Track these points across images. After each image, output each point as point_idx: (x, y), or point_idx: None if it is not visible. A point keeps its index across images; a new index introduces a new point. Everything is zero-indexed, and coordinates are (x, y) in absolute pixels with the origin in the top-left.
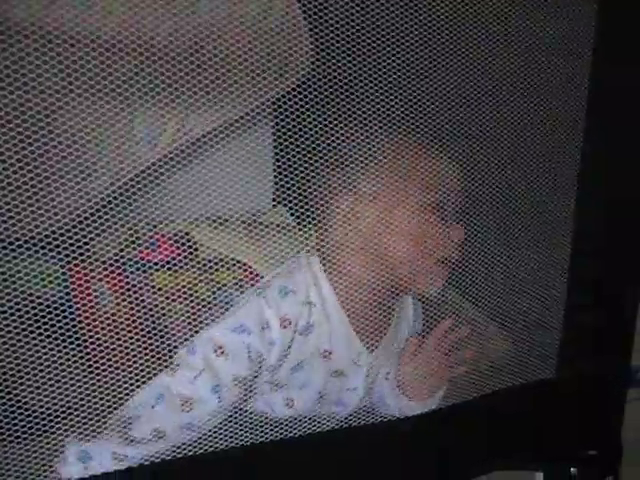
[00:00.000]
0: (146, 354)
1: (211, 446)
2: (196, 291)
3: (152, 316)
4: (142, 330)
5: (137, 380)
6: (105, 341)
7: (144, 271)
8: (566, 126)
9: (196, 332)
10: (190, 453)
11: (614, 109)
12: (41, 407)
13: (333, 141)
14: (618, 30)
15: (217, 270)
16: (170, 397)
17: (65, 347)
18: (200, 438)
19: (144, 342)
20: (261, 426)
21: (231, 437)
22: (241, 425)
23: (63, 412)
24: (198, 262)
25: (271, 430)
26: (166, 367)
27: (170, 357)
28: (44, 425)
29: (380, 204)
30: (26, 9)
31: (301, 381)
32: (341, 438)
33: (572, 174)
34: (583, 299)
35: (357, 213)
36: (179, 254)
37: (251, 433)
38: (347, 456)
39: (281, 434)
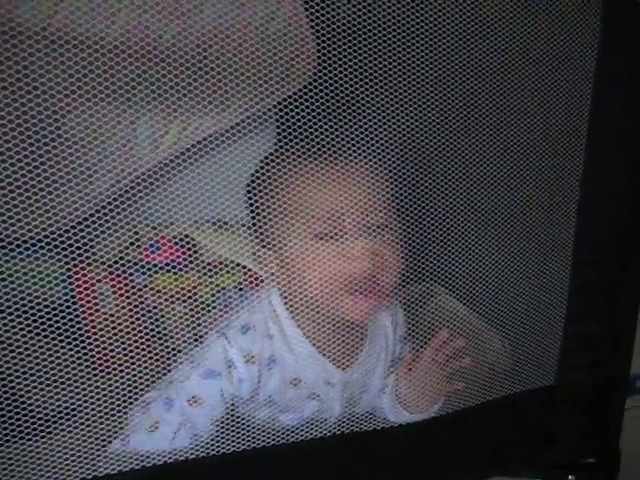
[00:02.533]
0: (148, 356)
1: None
2: (196, 293)
3: (154, 318)
4: (144, 332)
5: (138, 381)
6: (107, 342)
7: (146, 273)
8: (568, 134)
9: (195, 339)
10: (192, 456)
11: (617, 116)
12: (45, 408)
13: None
14: (622, 39)
15: (218, 273)
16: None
17: (68, 348)
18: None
19: (146, 344)
20: (255, 432)
21: (228, 442)
22: (239, 430)
23: (67, 413)
24: (199, 265)
25: (264, 437)
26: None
27: (169, 359)
28: (48, 426)
29: (281, 240)
30: (32, 10)
31: (279, 408)
32: (339, 444)
33: (574, 183)
34: (583, 307)
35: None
36: (180, 256)
37: (249, 438)
38: (347, 462)
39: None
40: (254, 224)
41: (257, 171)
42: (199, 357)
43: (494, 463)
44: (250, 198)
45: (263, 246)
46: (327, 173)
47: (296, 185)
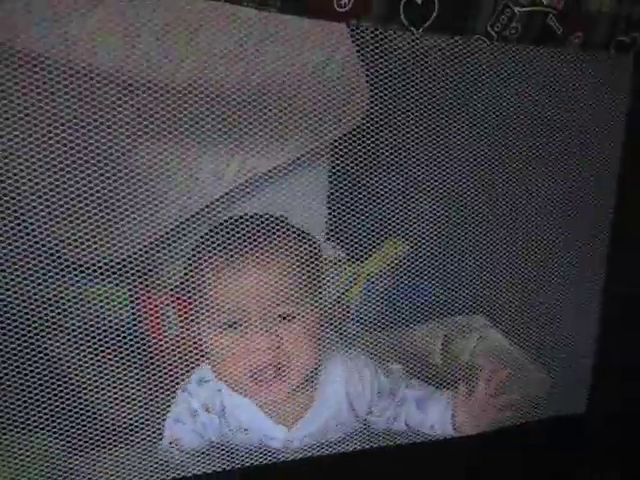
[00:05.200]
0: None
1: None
2: None
3: None
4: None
5: None
6: (173, 363)
7: None
8: (602, 161)
9: None
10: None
11: None
12: (116, 420)
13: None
14: None
15: None
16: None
17: (135, 368)
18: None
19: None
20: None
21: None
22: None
23: (135, 426)
24: None
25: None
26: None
27: None
28: (118, 437)
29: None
30: (109, 54)
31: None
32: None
33: (607, 214)
34: (614, 339)
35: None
36: None
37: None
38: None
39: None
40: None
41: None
42: (172, 407)
43: None
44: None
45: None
46: (226, 267)
47: (206, 277)
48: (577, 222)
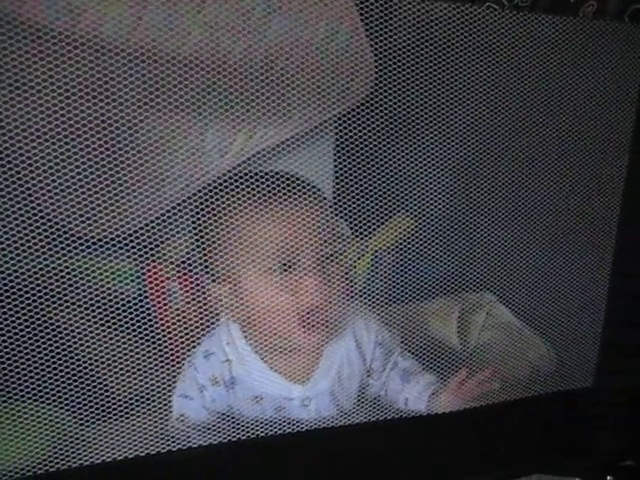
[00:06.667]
0: None
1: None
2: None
3: (216, 316)
4: (207, 327)
5: None
6: (176, 335)
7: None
8: (611, 148)
9: None
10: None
11: None
12: (122, 392)
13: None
14: None
15: None
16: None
17: (141, 339)
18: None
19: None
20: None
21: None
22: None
23: (141, 397)
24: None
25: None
26: None
27: None
28: (124, 409)
29: (234, 274)
30: (115, 26)
31: (252, 415)
32: (362, 433)
33: (616, 197)
34: (621, 315)
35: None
36: None
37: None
38: (375, 451)
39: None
40: (204, 260)
41: (205, 211)
42: (178, 383)
43: (534, 460)
44: (198, 233)
45: (213, 280)
46: (277, 212)
47: (249, 224)
48: (587, 197)
